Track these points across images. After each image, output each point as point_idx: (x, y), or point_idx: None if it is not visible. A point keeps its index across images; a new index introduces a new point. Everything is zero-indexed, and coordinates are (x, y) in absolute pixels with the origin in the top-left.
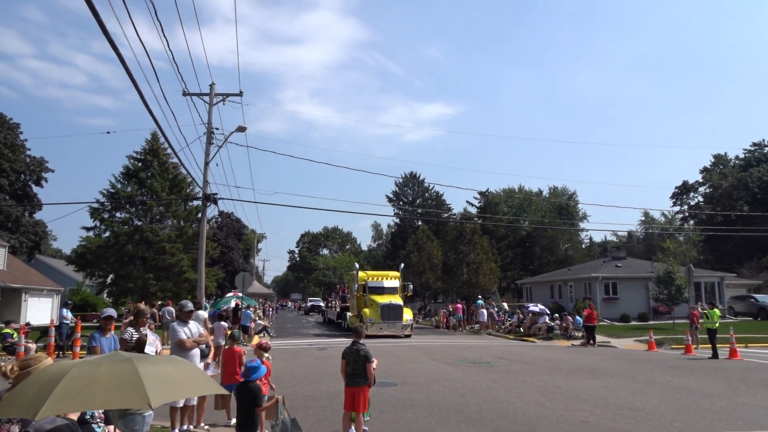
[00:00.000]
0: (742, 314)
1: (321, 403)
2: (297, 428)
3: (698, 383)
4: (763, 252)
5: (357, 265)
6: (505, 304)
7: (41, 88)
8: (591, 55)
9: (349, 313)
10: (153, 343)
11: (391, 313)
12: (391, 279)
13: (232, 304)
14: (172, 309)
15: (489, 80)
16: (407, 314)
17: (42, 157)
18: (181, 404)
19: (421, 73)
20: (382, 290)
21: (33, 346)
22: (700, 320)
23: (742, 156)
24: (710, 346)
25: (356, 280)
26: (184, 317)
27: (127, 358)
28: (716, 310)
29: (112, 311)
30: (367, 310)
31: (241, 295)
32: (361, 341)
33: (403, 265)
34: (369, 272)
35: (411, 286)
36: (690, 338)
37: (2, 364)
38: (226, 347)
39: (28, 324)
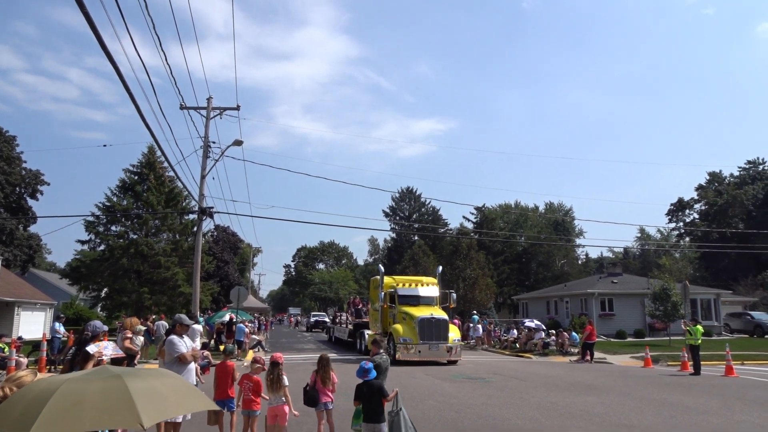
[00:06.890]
0: (738, 331)
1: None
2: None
3: (694, 400)
4: (759, 269)
5: (382, 268)
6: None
7: (34, 101)
8: (584, 74)
9: (368, 331)
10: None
11: (434, 330)
12: (428, 286)
13: (227, 318)
14: (165, 323)
15: (481, 98)
16: (453, 333)
17: (38, 170)
18: (180, 419)
19: (413, 90)
20: (417, 300)
21: (24, 360)
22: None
23: (737, 174)
24: (699, 362)
25: (381, 287)
26: (181, 331)
27: (116, 374)
28: (699, 327)
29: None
30: (399, 327)
31: (235, 308)
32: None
33: (441, 268)
34: (398, 277)
35: (454, 295)
36: (686, 355)
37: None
38: (219, 362)
39: (20, 338)
